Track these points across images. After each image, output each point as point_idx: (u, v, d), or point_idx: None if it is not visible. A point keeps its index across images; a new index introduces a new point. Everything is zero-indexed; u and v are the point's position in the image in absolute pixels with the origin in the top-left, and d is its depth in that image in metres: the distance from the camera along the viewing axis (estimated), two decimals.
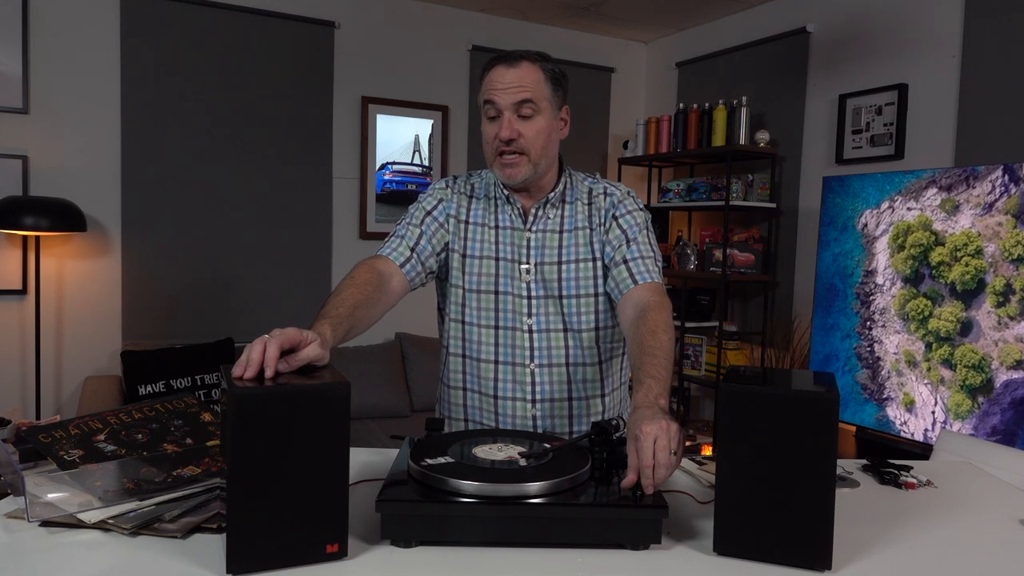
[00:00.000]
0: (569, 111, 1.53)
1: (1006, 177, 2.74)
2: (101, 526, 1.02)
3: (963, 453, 2.09)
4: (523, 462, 1.11)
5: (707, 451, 4.07)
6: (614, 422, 1.19)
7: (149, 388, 3.47)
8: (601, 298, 1.51)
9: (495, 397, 1.51)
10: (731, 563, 1.00)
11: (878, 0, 3.60)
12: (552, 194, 1.52)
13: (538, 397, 1.50)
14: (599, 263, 1.51)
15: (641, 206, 1.55)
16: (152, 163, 3.76)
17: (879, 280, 3.18)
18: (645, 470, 1.03)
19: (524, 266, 1.50)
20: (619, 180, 4.34)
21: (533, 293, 1.50)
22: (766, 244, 4.14)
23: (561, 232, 1.52)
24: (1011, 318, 2.70)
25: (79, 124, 3.63)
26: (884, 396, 3.15)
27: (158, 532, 1.02)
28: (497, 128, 1.44)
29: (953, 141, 3.27)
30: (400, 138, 4.37)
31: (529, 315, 1.50)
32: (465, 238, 1.53)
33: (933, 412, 2.96)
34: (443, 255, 1.53)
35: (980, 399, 2.79)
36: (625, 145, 4.70)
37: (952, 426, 2.87)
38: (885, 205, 3.16)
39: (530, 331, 1.50)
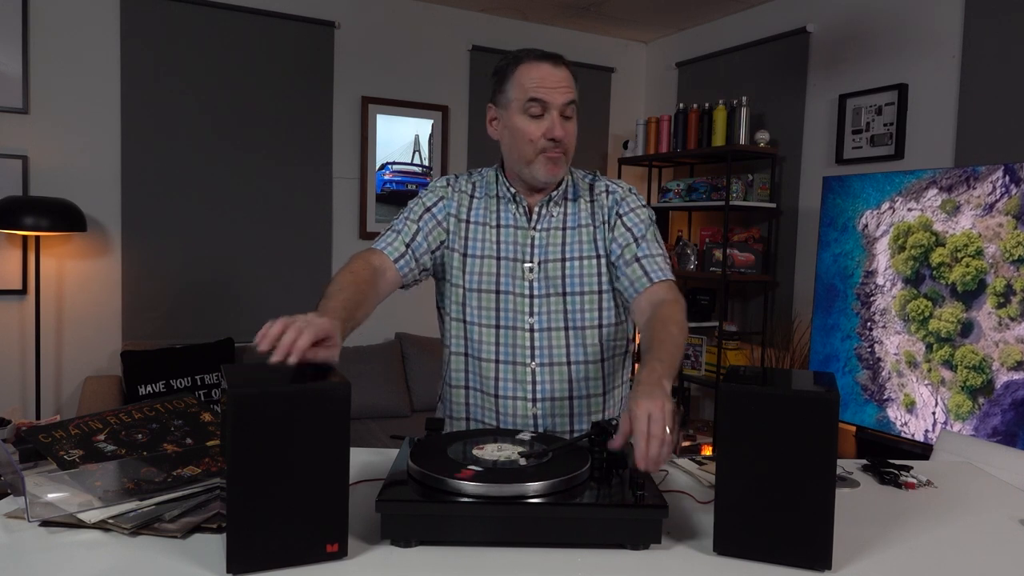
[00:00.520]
0: None
1: (1007, 178, 2.74)
2: (101, 526, 1.02)
3: (963, 453, 2.09)
4: (523, 462, 1.11)
5: (707, 451, 4.07)
6: (614, 422, 1.19)
7: (149, 388, 3.47)
8: (605, 295, 1.51)
9: (496, 396, 1.51)
10: (731, 563, 1.00)
11: (878, 0, 3.60)
12: (556, 192, 1.53)
13: (538, 396, 1.50)
14: (602, 260, 1.51)
15: (643, 203, 1.56)
16: (152, 163, 3.76)
17: (879, 281, 3.18)
18: (638, 441, 1.03)
19: (527, 264, 1.50)
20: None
21: (536, 291, 1.50)
22: (766, 244, 4.14)
23: (564, 229, 1.52)
24: (1012, 319, 2.70)
25: (79, 124, 3.63)
26: (885, 397, 3.15)
27: (158, 532, 1.02)
28: (543, 126, 1.44)
29: (953, 141, 3.27)
30: (400, 138, 4.37)
31: (531, 314, 1.50)
32: (466, 237, 1.53)
33: (934, 413, 2.96)
34: (439, 253, 1.53)
35: (981, 400, 2.79)
36: (625, 145, 4.70)
37: (953, 427, 2.87)
38: (885, 206, 3.16)
39: (531, 330, 1.50)
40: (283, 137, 4.06)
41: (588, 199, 1.55)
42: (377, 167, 4.33)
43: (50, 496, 1.06)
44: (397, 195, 4.38)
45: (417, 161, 4.44)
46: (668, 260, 1.50)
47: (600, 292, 1.51)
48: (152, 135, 3.75)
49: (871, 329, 3.20)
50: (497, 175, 1.56)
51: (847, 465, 1.45)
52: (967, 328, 2.85)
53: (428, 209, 1.53)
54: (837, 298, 3.35)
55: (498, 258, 1.51)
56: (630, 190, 1.56)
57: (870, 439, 3.23)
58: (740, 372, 1.09)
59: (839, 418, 0.98)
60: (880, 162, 3.57)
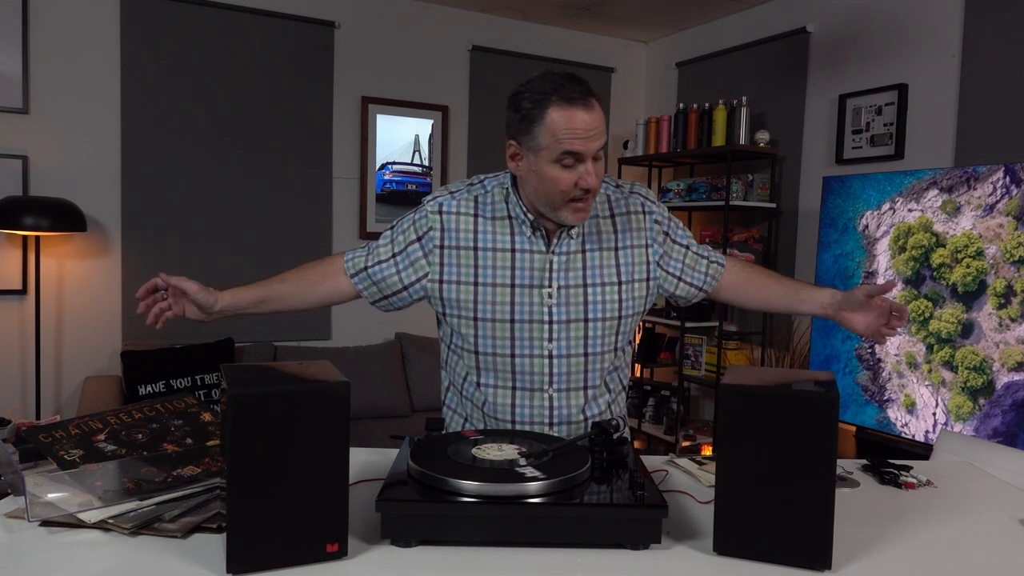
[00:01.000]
0: None
1: (1007, 178, 2.74)
2: (101, 526, 1.02)
3: (963, 453, 2.09)
4: (523, 462, 1.11)
5: (707, 451, 4.07)
6: (614, 422, 1.19)
7: (149, 388, 3.47)
8: (623, 321, 1.48)
9: (512, 422, 1.48)
10: (731, 563, 1.00)
11: (878, 0, 3.61)
12: None
13: (555, 420, 1.48)
14: (623, 287, 1.47)
15: (666, 211, 1.56)
16: (152, 163, 3.76)
17: (880, 281, 3.17)
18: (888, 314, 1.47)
19: (547, 290, 1.44)
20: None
21: (555, 317, 1.44)
22: (766, 244, 4.14)
23: (584, 252, 1.46)
24: (1012, 320, 2.70)
25: (79, 124, 3.63)
26: (885, 398, 3.15)
27: (158, 532, 1.02)
28: (575, 175, 1.34)
29: (953, 141, 3.27)
30: (400, 138, 4.37)
31: (550, 339, 1.45)
32: (476, 265, 1.45)
33: (934, 414, 2.96)
34: (421, 286, 1.47)
35: (981, 401, 2.79)
36: (625, 145, 4.70)
37: (953, 428, 2.87)
38: (886, 206, 3.16)
39: (550, 356, 1.45)
40: (283, 137, 4.06)
41: (607, 214, 1.49)
42: (377, 167, 4.33)
43: (50, 496, 1.06)
44: (397, 195, 4.38)
45: (417, 161, 4.44)
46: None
47: (620, 318, 1.47)
48: (152, 135, 3.75)
49: None
50: (508, 194, 1.46)
51: (847, 465, 1.45)
52: (968, 329, 2.85)
53: (409, 244, 1.47)
54: None
55: (512, 286, 1.44)
56: (654, 202, 1.54)
57: (870, 439, 3.23)
58: (740, 372, 1.09)
59: (839, 418, 0.98)
60: (880, 162, 3.57)
